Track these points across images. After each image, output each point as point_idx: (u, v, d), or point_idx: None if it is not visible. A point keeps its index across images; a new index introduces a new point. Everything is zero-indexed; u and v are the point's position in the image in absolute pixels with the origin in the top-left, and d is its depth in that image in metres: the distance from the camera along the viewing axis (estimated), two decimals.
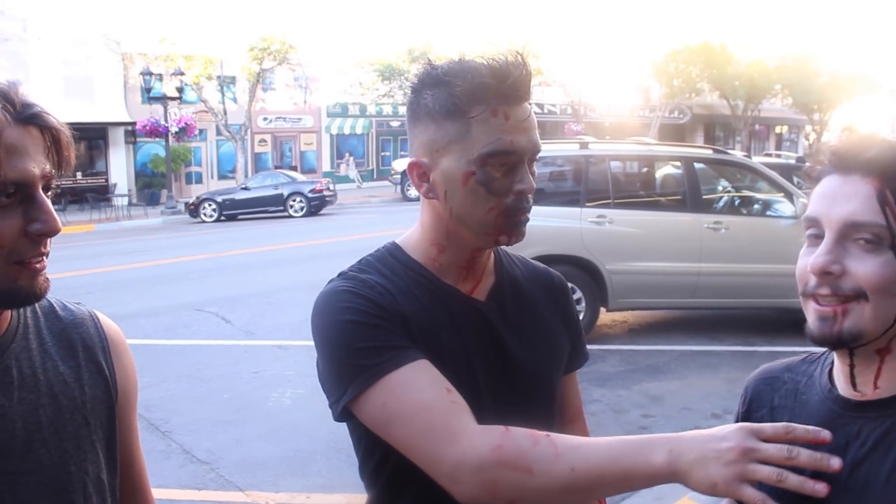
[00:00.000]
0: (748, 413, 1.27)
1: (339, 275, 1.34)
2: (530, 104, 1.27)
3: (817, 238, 1.05)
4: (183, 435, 5.53)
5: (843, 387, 1.11)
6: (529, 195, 1.27)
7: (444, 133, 1.26)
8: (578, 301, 7.40)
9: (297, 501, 4.51)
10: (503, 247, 1.46)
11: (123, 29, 26.47)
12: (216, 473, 4.90)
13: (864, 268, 1.00)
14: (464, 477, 1.10)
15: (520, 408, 1.33)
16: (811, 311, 1.05)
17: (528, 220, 1.29)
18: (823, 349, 1.13)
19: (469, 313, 1.35)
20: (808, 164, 1.12)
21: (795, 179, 12.35)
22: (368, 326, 1.22)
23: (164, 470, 4.90)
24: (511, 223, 1.28)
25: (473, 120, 1.23)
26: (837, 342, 1.04)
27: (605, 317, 8.29)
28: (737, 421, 1.28)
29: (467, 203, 1.27)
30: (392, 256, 1.37)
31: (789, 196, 7.91)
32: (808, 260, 1.04)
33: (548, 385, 1.43)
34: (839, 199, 1.03)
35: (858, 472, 1.05)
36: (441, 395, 1.16)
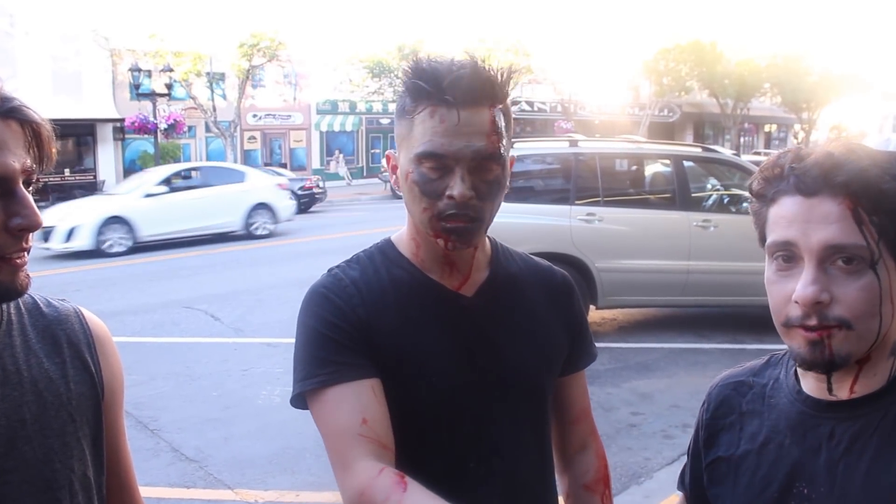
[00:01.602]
0: (714, 420, 1.25)
1: (328, 270, 1.40)
2: (489, 109, 1.26)
3: (788, 261, 1.03)
4: (171, 433, 5.51)
5: (811, 388, 1.11)
6: (468, 202, 1.25)
7: (400, 130, 1.31)
8: None
9: (287, 499, 4.51)
10: (500, 242, 1.50)
11: (112, 25, 26.32)
12: (205, 472, 4.89)
13: (849, 294, 0.99)
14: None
15: (504, 406, 1.37)
16: (798, 338, 1.02)
17: (467, 227, 1.27)
18: (786, 350, 1.12)
19: (450, 309, 1.36)
20: (756, 183, 1.08)
21: None
22: (325, 337, 1.30)
23: (153, 468, 4.88)
24: (443, 228, 1.28)
25: (415, 119, 1.26)
26: (830, 366, 1.02)
27: (594, 315, 8.30)
28: (698, 429, 1.28)
29: (409, 201, 1.31)
30: (381, 253, 1.41)
31: None
32: (790, 288, 1.01)
33: (536, 385, 1.42)
34: (814, 223, 1.00)
35: (835, 472, 1.05)
36: (353, 425, 1.22)
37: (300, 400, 1.31)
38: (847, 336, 1.00)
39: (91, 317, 1.26)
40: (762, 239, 1.08)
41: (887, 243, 1.00)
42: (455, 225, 1.26)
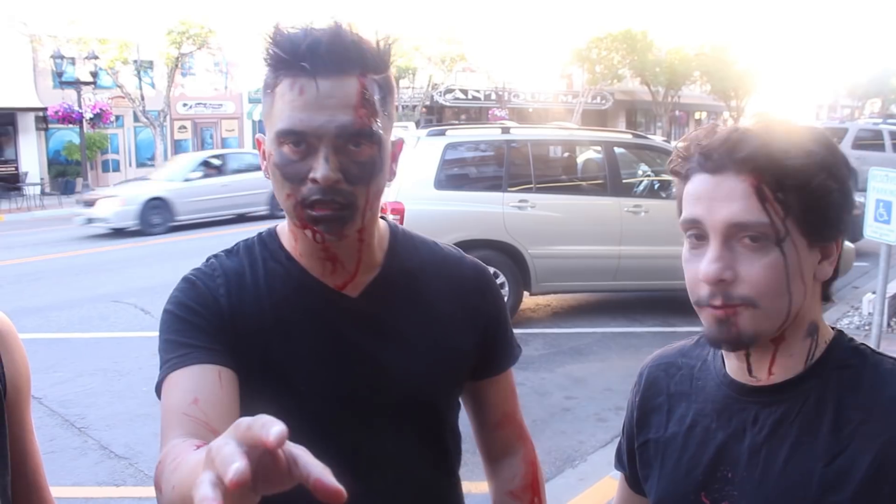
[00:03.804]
0: (644, 400, 1.25)
1: (206, 258, 1.29)
2: (357, 78, 1.10)
3: (700, 239, 1.02)
4: (100, 430, 5.37)
5: (735, 370, 1.11)
6: (334, 186, 1.09)
7: (264, 107, 1.15)
8: (502, 285, 7.45)
9: None
10: (404, 231, 1.35)
11: (30, 9, 25.38)
12: (135, 469, 4.77)
13: (753, 272, 0.98)
14: None
15: (386, 419, 1.25)
16: (707, 316, 1.03)
17: (336, 216, 1.11)
18: None
19: (328, 311, 1.22)
20: (673, 161, 1.08)
21: None
22: (179, 319, 1.17)
23: (80, 467, 4.75)
24: (308, 216, 1.11)
25: (275, 93, 1.11)
26: (737, 344, 1.02)
27: (528, 301, 8.37)
28: (630, 409, 1.28)
29: (274, 187, 1.14)
30: (261, 244, 1.28)
31: None
32: (699, 267, 1.01)
33: (425, 397, 1.27)
34: (719, 200, 0.99)
35: (757, 458, 1.06)
36: (182, 403, 1.07)
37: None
38: (754, 315, 0.99)
39: None
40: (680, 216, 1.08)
41: (795, 220, 0.99)
42: (321, 213, 1.10)
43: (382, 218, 1.30)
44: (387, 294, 1.25)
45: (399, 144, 1.24)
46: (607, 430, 5.18)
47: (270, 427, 0.65)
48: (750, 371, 1.08)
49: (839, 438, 1.00)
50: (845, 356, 1.06)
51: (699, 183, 1.02)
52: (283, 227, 1.27)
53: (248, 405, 1.11)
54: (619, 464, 1.33)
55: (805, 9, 45.36)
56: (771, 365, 1.06)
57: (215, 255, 1.28)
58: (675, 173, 1.07)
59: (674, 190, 1.11)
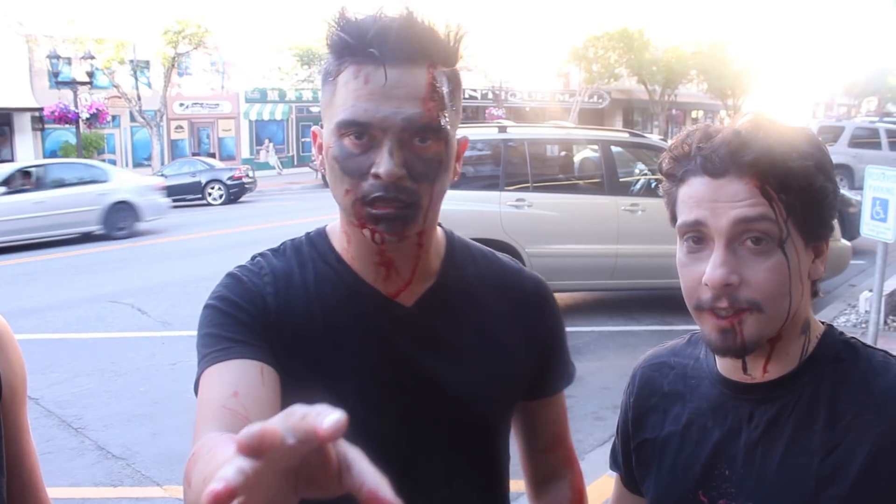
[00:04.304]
0: (639, 401, 1.24)
1: (252, 256, 1.22)
2: (427, 69, 1.04)
3: (698, 242, 1.01)
4: (97, 431, 5.36)
5: (728, 368, 1.11)
6: (398, 183, 1.02)
7: (324, 97, 1.08)
8: None
9: None
10: (460, 239, 1.28)
11: (26, 9, 25.34)
12: (132, 469, 4.77)
13: (758, 275, 0.98)
14: None
15: (436, 438, 1.17)
16: (709, 324, 1.02)
17: (399, 215, 1.04)
18: None
19: (380, 320, 1.14)
20: (666, 162, 1.06)
21: None
22: (222, 313, 1.09)
23: (77, 468, 4.74)
24: (369, 214, 1.04)
25: (338, 81, 1.04)
26: (742, 352, 1.02)
27: None
28: (624, 410, 1.27)
29: (331, 182, 1.07)
30: (310, 244, 1.20)
31: None
32: (700, 270, 1.00)
33: (479, 416, 1.20)
34: (723, 203, 0.98)
35: (753, 454, 1.06)
36: (221, 396, 0.99)
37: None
38: (758, 319, 0.99)
39: None
40: (673, 219, 1.06)
41: (795, 221, 0.99)
42: (383, 211, 1.03)
43: (438, 225, 1.22)
44: (443, 305, 1.18)
45: (464, 143, 1.17)
46: (605, 428, 5.17)
47: (326, 415, 0.57)
48: (745, 370, 1.08)
49: (834, 432, 1.01)
50: (837, 350, 1.07)
51: (698, 186, 1.01)
52: (334, 227, 1.20)
53: None
54: (615, 465, 1.33)
55: (802, 7, 45.42)
56: (766, 363, 1.06)
57: (261, 254, 1.20)
58: (668, 175, 1.06)
59: (661, 190, 1.10)
